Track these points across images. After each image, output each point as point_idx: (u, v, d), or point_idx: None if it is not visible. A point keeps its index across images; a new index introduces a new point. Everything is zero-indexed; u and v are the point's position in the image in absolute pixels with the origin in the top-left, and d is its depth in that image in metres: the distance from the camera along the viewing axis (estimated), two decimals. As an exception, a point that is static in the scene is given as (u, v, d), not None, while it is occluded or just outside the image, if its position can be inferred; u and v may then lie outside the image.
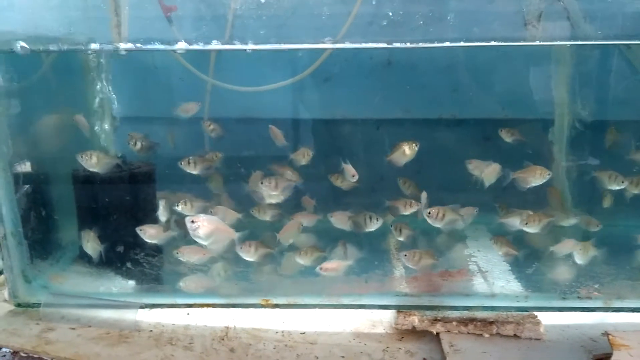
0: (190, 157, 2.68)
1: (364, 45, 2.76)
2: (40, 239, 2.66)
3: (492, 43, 2.94)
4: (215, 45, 2.75)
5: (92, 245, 2.56)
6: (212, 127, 3.08)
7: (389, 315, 2.47)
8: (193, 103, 3.09)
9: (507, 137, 2.89)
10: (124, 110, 3.18)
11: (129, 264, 2.59)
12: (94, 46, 2.53)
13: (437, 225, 2.53)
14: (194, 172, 2.70)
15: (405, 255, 2.42)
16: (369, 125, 3.72)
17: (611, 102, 3.20)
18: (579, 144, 3.12)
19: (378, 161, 2.98)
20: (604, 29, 2.81)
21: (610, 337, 2.08)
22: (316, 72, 3.42)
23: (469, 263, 2.75)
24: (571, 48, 3.14)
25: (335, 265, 2.47)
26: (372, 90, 3.60)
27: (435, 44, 2.69)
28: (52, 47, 2.46)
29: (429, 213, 2.50)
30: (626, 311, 2.32)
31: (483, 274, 2.64)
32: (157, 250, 2.63)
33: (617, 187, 2.78)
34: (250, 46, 2.69)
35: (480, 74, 3.43)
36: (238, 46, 2.67)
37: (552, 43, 3.02)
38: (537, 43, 2.84)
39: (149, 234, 2.50)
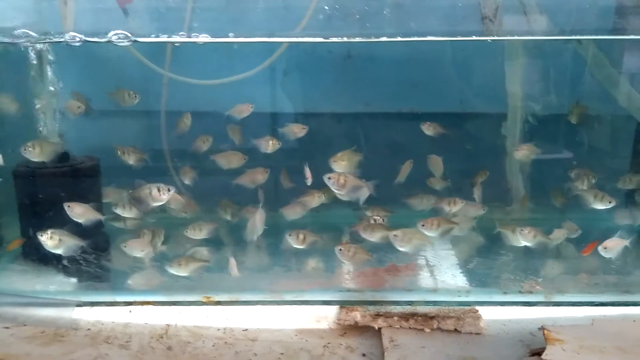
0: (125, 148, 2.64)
1: (317, 39, 2.75)
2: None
3: (445, 38, 2.96)
4: (171, 37, 2.72)
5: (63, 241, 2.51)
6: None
7: (334, 311, 2.45)
8: (247, 104, 3.02)
9: (428, 130, 2.89)
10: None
11: (69, 261, 2.54)
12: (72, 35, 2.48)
13: (433, 234, 2.52)
14: (131, 162, 2.64)
15: (340, 249, 2.40)
16: (330, 119, 3.70)
17: (563, 96, 3.22)
18: (532, 137, 3.13)
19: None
20: (559, 24, 2.83)
21: (546, 331, 2.08)
22: (275, 66, 3.40)
23: (418, 257, 2.75)
24: (525, 42, 3.13)
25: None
26: (332, 84, 3.58)
27: (385, 39, 2.69)
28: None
29: (423, 225, 2.48)
30: (566, 305, 2.33)
31: (430, 268, 2.64)
32: (98, 246, 2.58)
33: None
34: (206, 38, 2.66)
35: (440, 68, 3.43)
36: (195, 39, 2.64)
37: (507, 38, 3.04)
38: (493, 38, 2.86)
39: (76, 211, 2.44)
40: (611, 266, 2.46)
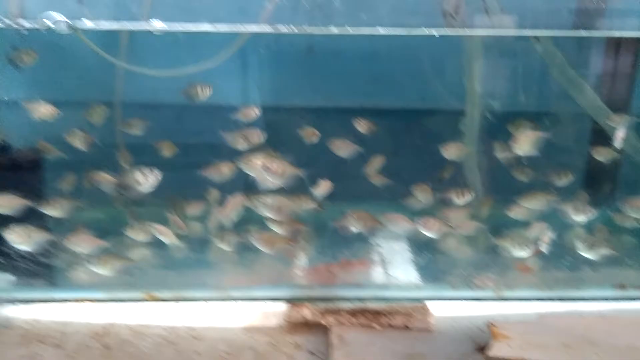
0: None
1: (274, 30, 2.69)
2: None
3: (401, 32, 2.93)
4: (125, 24, 2.63)
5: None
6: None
7: (285, 308, 2.40)
8: (252, 107, 2.93)
9: (360, 127, 2.85)
10: (17, 93, 2.99)
11: (2, 257, 2.41)
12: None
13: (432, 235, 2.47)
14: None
15: (256, 238, 2.33)
16: (291, 114, 3.64)
17: (522, 94, 3.22)
18: (490, 134, 3.12)
19: (303, 150, 2.91)
20: (519, 20, 2.82)
21: (493, 327, 2.07)
22: (235, 57, 3.32)
23: (372, 252, 2.71)
24: (484, 39, 3.13)
25: None
26: (293, 77, 3.52)
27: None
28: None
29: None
30: (516, 300, 2.32)
31: (383, 263, 2.60)
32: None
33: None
34: (162, 26, 2.56)
35: (403, 64, 3.40)
36: (150, 26, 2.55)
37: (466, 33, 3.03)
38: (450, 32, 2.84)
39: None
40: (561, 262, 2.46)
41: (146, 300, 2.32)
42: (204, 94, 2.86)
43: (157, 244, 2.47)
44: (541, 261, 2.36)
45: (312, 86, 3.51)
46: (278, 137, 3.55)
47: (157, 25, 2.38)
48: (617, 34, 3.07)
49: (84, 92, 3.16)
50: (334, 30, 2.62)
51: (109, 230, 2.57)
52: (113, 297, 2.30)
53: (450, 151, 2.75)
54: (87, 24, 2.51)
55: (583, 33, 2.94)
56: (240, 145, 2.79)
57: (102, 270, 2.29)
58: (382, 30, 2.65)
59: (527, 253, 2.36)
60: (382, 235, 2.88)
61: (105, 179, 2.49)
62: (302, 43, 3.43)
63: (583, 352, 1.99)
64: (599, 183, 2.98)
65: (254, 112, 2.90)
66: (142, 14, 2.59)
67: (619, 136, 2.32)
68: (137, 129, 2.90)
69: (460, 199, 2.65)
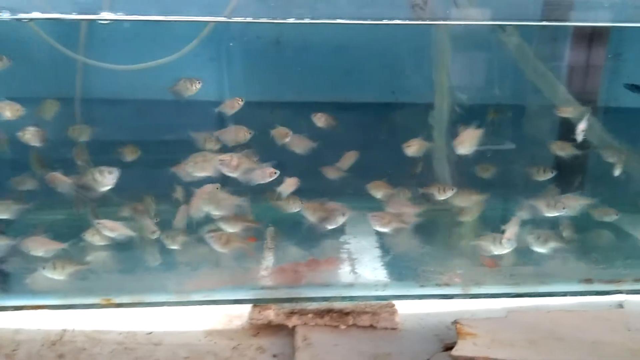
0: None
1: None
2: None
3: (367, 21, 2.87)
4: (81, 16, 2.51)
5: None
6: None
7: (249, 310, 2.33)
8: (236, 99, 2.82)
9: (319, 122, 2.79)
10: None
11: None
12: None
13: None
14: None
15: (212, 236, 2.26)
16: (260, 108, 3.55)
17: (490, 86, 3.20)
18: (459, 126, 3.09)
19: (272, 145, 2.83)
20: (487, 12, 2.79)
21: (458, 325, 2.03)
22: (201, 51, 3.22)
23: (341, 251, 2.66)
24: (452, 31, 3.09)
25: None
26: (260, 71, 3.44)
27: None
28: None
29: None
30: (483, 297, 2.29)
31: (351, 262, 2.55)
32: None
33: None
34: (124, 17, 2.46)
35: (372, 57, 3.34)
36: (112, 17, 2.43)
37: (434, 22, 2.98)
38: (416, 23, 2.78)
39: None
40: (528, 257, 2.44)
41: (103, 305, 2.22)
42: (192, 89, 2.77)
43: (116, 247, 2.38)
44: (509, 256, 2.34)
45: (281, 80, 3.44)
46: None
47: (108, 16, 2.27)
48: (585, 25, 3.07)
49: (39, 87, 3.03)
50: (298, 20, 2.57)
51: (67, 233, 2.47)
52: (68, 302, 2.20)
53: (412, 148, 2.68)
54: (37, 15, 2.39)
55: (550, 23, 2.93)
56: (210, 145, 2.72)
57: (57, 276, 2.19)
58: (345, 21, 2.60)
59: (495, 248, 2.33)
60: (350, 233, 2.84)
61: (60, 179, 2.39)
62: (271, 36, 3.35)
63: (549, 348, 1.96)
64: (568, 176, 2.97)
65: (238, 104, 2.80)
66: (103, 6, 2.49)
67: (580, 129, 2.29)
68: (86, 135, 2.78)
69: (442, 194, 2.62)
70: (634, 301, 2.33)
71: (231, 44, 3.36)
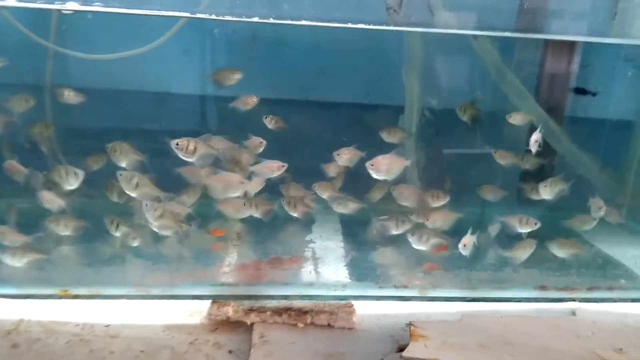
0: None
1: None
2: None
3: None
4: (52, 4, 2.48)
5: None
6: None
7: (209, 306, 2.34)
8: (251, 96, 2.84)
9: (270, 124, 2.80)
10: None
11: None
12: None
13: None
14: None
15: (147, 205, 2.27)
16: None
17: (460, 91, 3.24)
18: (428, 131, 3.13)
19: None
20: (461, 20, 2.81)
21: (412, 327, 2.07)
22: (174, 43, 3.20)
23: (305, 250, 2.68)
24: (423, 36, 3.12)
25: None
26: (235, 66, 3.43)
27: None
28: None
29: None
30: (439, 300, 2.33)
31: (314, 261, 2.57)
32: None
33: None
34: (98, 7, 2.43)
35: (348, 58, 3.36)
36: (84, 7, 2.40)
37: (405, 29, 3.00)
38: (391, 28, 2.80)
39: None
40: (486, 262, 2.50)
41: (60, 296, 2.22)
42: (233, 78, 2.83)
43: (75, 239, 2.37)
44: (456, 261, 2.39)
45: (255, 76, 3.44)
46: (221, 128, 3.48)
47: (73, 6, 2.25)
48: (555, 36, 3.12)
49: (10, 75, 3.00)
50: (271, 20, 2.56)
51: (29, 223, 2.45)
52: (25, 292, 2.19)
53: (344, 158, 2.71)
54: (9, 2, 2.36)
55: (522, 35, 2.97)
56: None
57: (15, 263, 2.17)
58: (319, 23, 2.61)
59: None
60: (316, 232, 2.87)
61: (16, 168, 2.37)
62: (247, 31, 3.35)
63: (498, 353, 2.01)
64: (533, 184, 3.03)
65: (253, 102, 2.85)
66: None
67: (534, 139, 2.34)
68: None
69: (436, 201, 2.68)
70: (586, 309, 2.39)
71: (206, 37, 3.36)
